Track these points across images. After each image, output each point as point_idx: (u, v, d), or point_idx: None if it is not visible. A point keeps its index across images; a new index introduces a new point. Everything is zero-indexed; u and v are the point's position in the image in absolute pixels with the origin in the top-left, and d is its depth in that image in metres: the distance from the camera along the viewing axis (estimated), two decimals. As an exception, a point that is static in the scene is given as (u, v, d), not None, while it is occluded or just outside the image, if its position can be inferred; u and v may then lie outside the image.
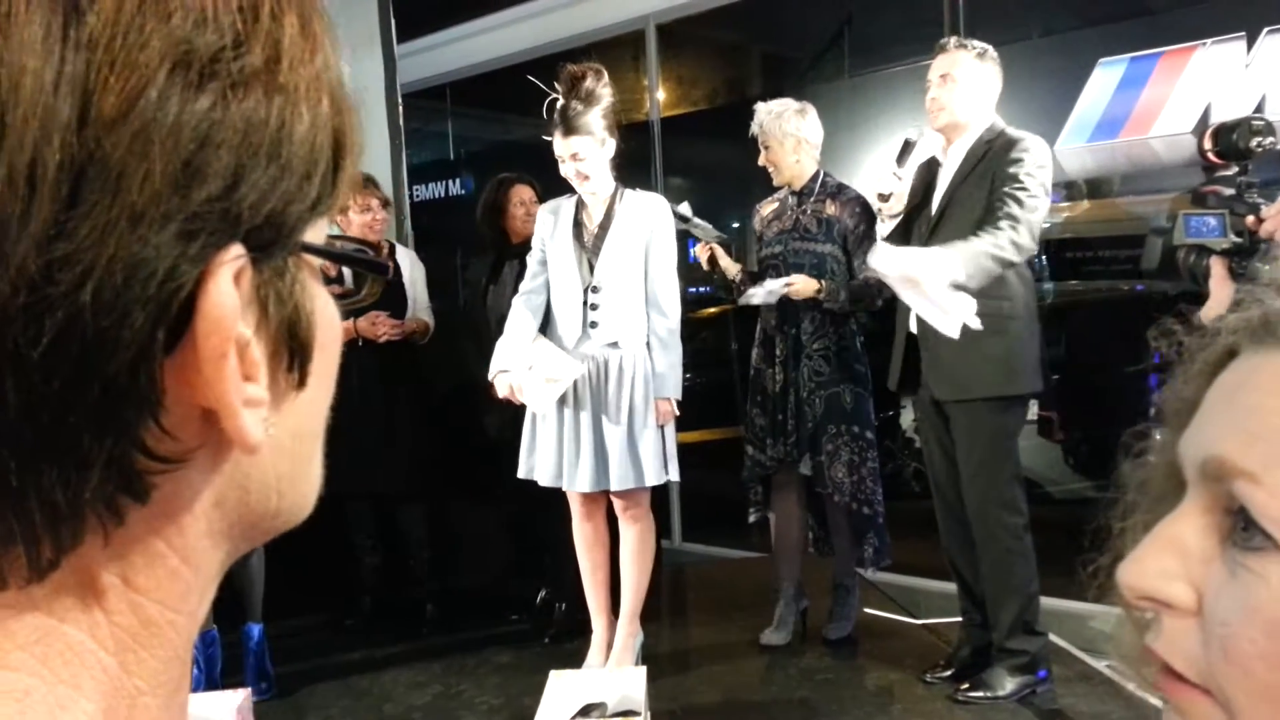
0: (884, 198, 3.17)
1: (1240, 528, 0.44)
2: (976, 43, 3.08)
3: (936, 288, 2.67)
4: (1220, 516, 0.46)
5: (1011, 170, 2.91)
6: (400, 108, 4.69)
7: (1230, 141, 1.61)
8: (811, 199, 3.50)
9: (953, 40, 3.12)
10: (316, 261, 0.37)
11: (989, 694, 3.05)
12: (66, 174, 0.28)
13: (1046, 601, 3.15)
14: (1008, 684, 3.05)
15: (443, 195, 7.00)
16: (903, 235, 3.22)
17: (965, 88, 3.03)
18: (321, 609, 3.92)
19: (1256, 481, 0.43)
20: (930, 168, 3.19)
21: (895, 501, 3.78)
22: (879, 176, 3.20)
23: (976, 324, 2.69)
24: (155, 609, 0.34)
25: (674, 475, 3.24)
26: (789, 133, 3.47)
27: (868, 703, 3.13)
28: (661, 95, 5.43)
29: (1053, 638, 3.28)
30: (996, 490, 3.00)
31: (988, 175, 2.96)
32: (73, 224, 0.28)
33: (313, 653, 3.66)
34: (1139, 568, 0.47)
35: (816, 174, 3.54)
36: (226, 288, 0.31)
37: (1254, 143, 1.60)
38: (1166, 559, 0.46)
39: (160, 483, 0.32)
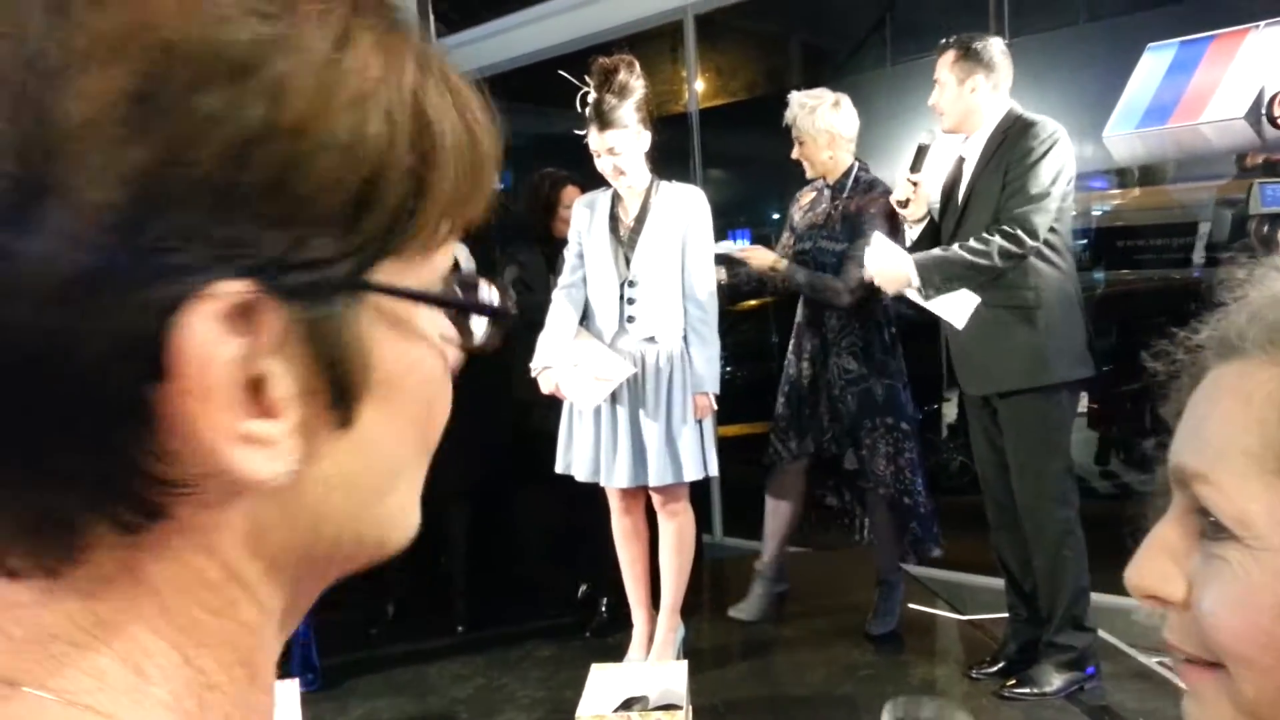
0: (902, 204, 3.15)
1: (1210, 523, 0.50)
2: (968, 38, 3.06)
3: (901, 290, 2.97)
4: (1194, 516, 0.52)
5: (1019, 162, 2.90)
6: (439, 103, 4.70)
7: None
8: (844, 195, 3.47)
9: (945, 41, 3.10)
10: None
11: (1036, 690, 3.01)
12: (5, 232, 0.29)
13: (1096, 597, 3.10)
14: (1055, 680, 3.00)
15: (482, 190, 7.02)
16: (933, 234, 3.20)
17: (953, 88, 3.03)
18: (366, 603, 3.95)
19: (1208, 481, 0.50)
20: (959, 164, 3.17)
21: (940, 496, 3.73)
22: (897, 183, 3.19)
23: (961, 322, 2.93)
24: (201, 613, 0.36)
25: (713, 470, 3.23)
26: (822, 128, 3.43)
27: (912, 699, 3.10)
28: (700, 86, 5.41)
29: (1102, 634, 3.22)
30: (1046, 483, 2.96)
31: (1003, 163, 2.95)
32: (9, 281, 0.29)
33: (357, 646, 3.70)
34: (1136, 569, 0.53)
35: (850, 168, 3.50)
36: (202, 326, 0.31)
37: None
38: (1159, 559, 0.53)
39: (176, 504, 0.34)
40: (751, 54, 6.32)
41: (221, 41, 0.31)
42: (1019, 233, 2.85)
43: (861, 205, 3.43)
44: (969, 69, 3.01)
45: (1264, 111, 1.60)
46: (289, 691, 2.73)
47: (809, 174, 3.55)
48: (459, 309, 0.41)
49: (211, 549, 0.36)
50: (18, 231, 0.29)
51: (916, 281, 2.92)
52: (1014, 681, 3.06)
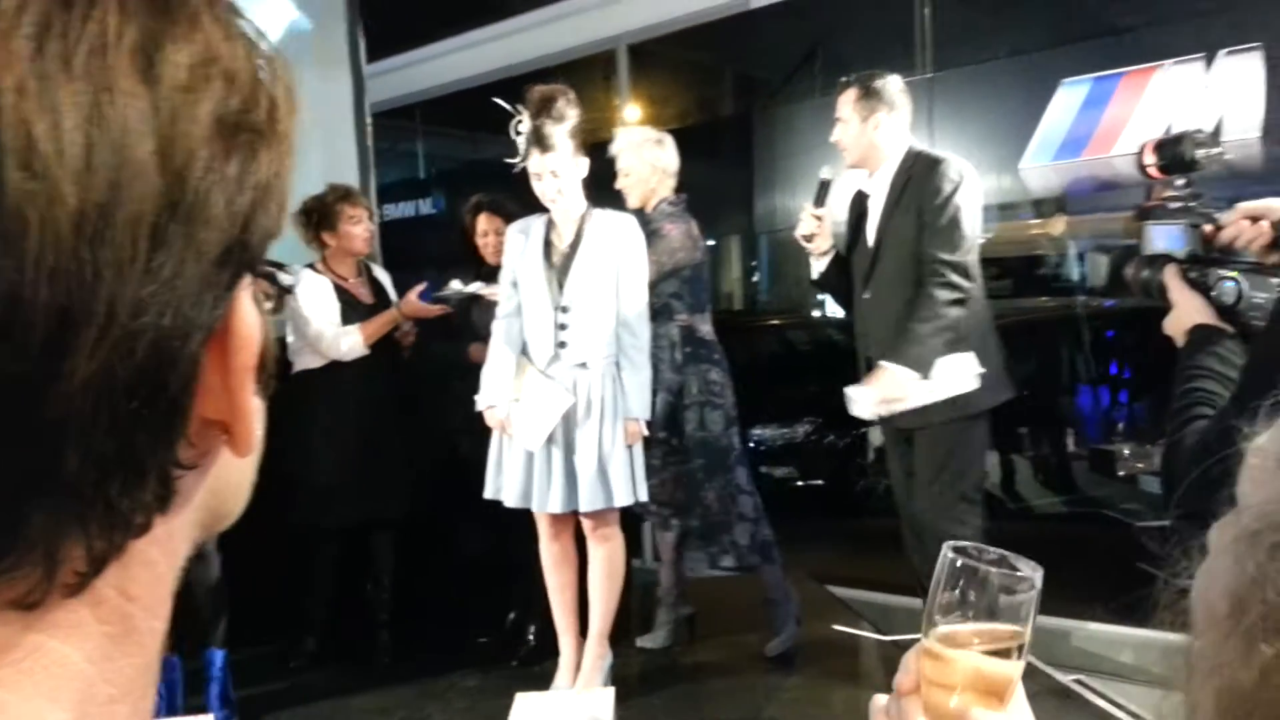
0: (807, 239, 3.19)
1: None
2: (868, 76, 3.11)
3: (918, 393, 2.91)
4: None
5: (933, 201, 2.95)
6: (369, 127, 4.68)
7: (1176, 154, 1.62)
8: (650, 225, 3.56)
9: (845, 79, 3.15)
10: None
11: None
12: (155, 222, 0.32)
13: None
14: None
15: (413, 214, 6.99)
16: (842, 272, 3.25)
17: (856, 125, 3.09)
18: (287, 635, 3.86)
19: None
20: (860, 200, 3.22)
21: (867, 518, 3.79)
22: (801, 218, 3.21)
23: (974, 382, 2.91)
24: (141, 617, 0.36)
25: (643, 495, 3.23)
26: (648, 161, 3.58)
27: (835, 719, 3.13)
28: (635, 114, 5.45)
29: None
30: (946, 502, 3.02)
31: (913, 204, 3.00)
32: (158, 263, 0.32)
33: (275, 678, 3.61)
34: None
35: (660, 201, 3.60)
36: (249, 308, 0.36)
37: (1200, 154, 1.61)
38: None
39: (177, 490, 0.36)
40: (684, 83, 6.41)
41: (267, 105, 0.36)
42: (955, 279, 2.91)
43: (654, 230, 3.51)
44: (871, 106, 3.07)
45: (1136, 158, 1.66)
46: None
47: (629, 204, 3.63)
48: (277, 283, 0.46)
49: (170, 535, 0.36)
50: (166, 258, 0.33)
51: (915, 373, 2.89)
52: None
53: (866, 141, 3.09)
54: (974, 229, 2.98)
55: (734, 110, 6.38)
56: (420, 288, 3.83)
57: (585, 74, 5.51)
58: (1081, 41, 4.47)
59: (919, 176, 3.01)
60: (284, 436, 3.62)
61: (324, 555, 3.82)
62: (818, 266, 3.27)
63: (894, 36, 4.84)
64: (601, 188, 3.50)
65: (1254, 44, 3.76)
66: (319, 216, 3.75)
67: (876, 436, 5.26)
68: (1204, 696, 0.41)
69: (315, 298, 3.72)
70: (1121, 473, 4.58)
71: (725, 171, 4.02)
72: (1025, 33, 4.85)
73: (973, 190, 2.99)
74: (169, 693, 3.07)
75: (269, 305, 0.42)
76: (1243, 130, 3.79)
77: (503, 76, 5.14)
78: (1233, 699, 0.40)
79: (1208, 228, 1.54)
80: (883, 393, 2.91)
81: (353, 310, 3.78)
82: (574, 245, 3.17)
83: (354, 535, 3.85)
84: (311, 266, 3.79)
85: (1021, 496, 5.09)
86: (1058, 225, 4.77)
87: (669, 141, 3.65)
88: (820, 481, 5.42)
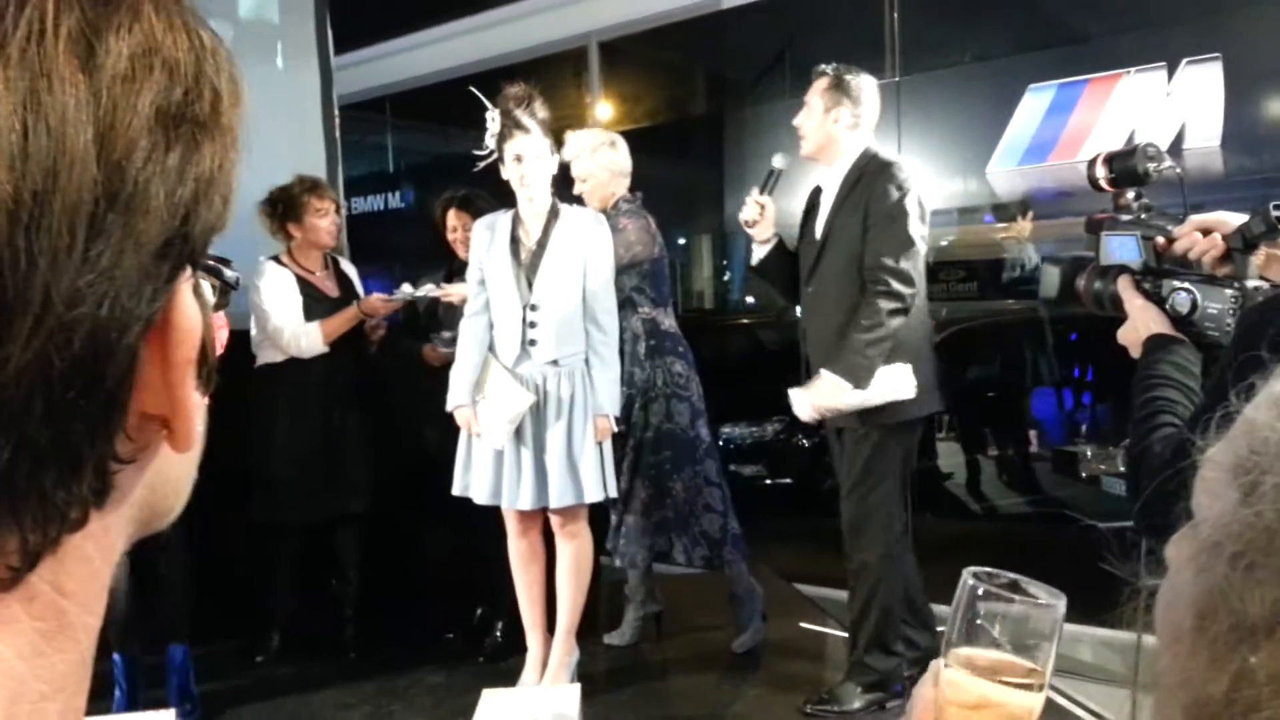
0: (749, 224, 3.18)
1: None
2: (843, 69, 3.09)
3: (849, 400, 2.94)
4: None
5: (879, 205, 2.96)
6: (336, 119, 4.65)
7: (1128, 167, 1.65)
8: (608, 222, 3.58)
9: (822, 67, 3.13)
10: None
11: (837, 708, 3.09)
12: (93, 211, 0.32)
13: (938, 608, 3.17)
14: (855, 701, 3.08)
15: (381, 208, 6.95)
16: (782, 262, 3.25)
17: (818, 114, 3.07)
18: (251, 630, 3.82)
19: None
20: (815, 194, 3.22)
21: (835, 517, 3.79)
22: (745, 203, 3.19)
23: (910, 392, 2.92)
24: (75, 613, 0.35)
25: (613, 492, 3.24)
26: (603, 165, 3.59)
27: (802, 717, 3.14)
28: (606, 110, 5.45)
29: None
30: (867, 507, 3.05)
31: (861, 204, 3.00)
32: (95, 253, 0.32)
33: (240, 673, 3.57)
34: None
35: (618, 200, 3.62)
36: (190, 302, 0.36)
37: (1151, 168, 1.64)
38: None
39: (117, 480, 0.35)
40: (655, 81, 6.41)
41: (210, 97, 0.36)
42: (898, 287, 2.91)
43: (611, 226, 3.49)
44: (836, 99, 3.06)
45: (1087, 170, 1.68)
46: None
47: (592, 207, 3.60)
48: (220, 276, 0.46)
49: (106, 531, 0.36)
50: (104, 248, 0.33)
51: (849, 383, 2.91)
52: (817, 699, 3.14)
53: (825, 134, 3.07)
54: (919, 235, 2.98)
55: (705, 109, 6.38)
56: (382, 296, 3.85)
57: (556, 70, 5.50)
58: (1048, 48, 4.53)
59: (869, 177, 3.01)
60: (248, 431, 3.60)
61: (288, 550, 3.79)
62: (758, 254, 3.25)
63: (863, 40, 4.88)
64: (569, 185, 3.51)
65: (1214, 54, 3.83)
66: (285, 208, 3.72)
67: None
68: (1172, 711, 0.42)
69: (277, 291, 3.68)
70: (1084, 474, 4.65)
71: (696, 170, 4.05)
72: (992, 38, 4.90)
73: (918, 197, 2.99)
74: (130, 688, 3.03)
75: (212, 300, 0.42)
76: (1204, 139, 3.86)
77: (473, 71, 5.12)
78: (1200, 711, 0.40)
79: (1160, 240, 1.57)
80: (816, 400, 2.96)
81: (317, 304, 3.74)
82: (542, 242, 3.17)
83: (319, 530, 3.82)
84: (276, 258, 3.76)
85: (985, 497, 5.14)
86: (1025, 228, 4.82)
87: (621, 142, 3.66)
88: (788, 480, 5.45)
